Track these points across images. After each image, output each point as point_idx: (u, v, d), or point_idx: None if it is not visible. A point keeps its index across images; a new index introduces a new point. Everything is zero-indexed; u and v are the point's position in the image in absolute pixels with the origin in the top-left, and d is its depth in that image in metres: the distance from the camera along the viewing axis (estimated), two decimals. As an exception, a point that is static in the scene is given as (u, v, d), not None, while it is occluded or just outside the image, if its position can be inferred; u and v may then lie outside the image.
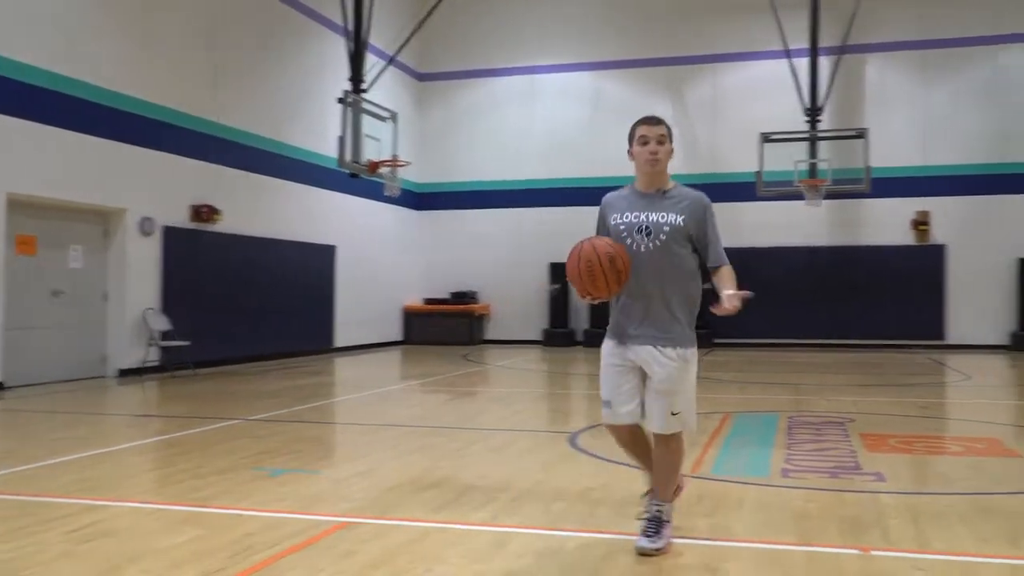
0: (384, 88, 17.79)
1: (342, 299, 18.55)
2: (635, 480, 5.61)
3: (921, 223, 19.69)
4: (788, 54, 18.44)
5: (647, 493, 4.27)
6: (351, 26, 15.41)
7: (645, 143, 4.19)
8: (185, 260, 13.88)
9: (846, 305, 19.80)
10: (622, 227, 4.11)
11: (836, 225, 20.23)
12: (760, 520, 4.63)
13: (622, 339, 4.11)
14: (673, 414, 4.03)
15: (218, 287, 14.59)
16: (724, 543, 4.21)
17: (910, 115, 19.93)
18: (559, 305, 21.15)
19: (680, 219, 4.05)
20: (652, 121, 4.27)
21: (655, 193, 4.16)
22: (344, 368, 15.32)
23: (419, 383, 12.90)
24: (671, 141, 4.24)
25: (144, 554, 3.97)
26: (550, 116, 21.91)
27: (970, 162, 19.54)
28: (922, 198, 19.67)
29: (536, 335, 21.35)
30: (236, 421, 8.28)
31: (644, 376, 4.09)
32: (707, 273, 4.14)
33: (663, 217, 4.06)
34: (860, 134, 18.28)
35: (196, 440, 7.24)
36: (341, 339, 18.53)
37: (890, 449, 6.83)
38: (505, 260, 21.84)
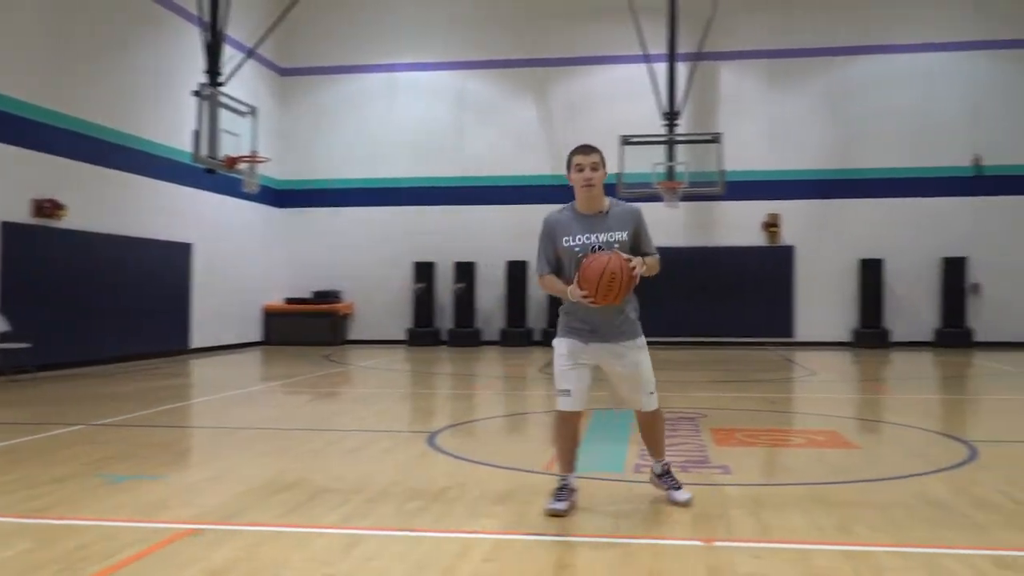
0: (243, 82, 17.33)
1: (199, 299, 17.95)
2: (492, 478, 5.64)
3: (771, 225, 20.55)
4: (647, 59, 18.93)
5: (657, 466, 5.06)
6: (207, 17, 14.93)
7: (580, 170, 4.68)
8: (27, 258, 13.14)
9: (702, 304, 20.47)
10: (577, 248, 4.65)
11: (693, 226, 20.89)
12: (611, 515, 4.72)
13: (584, 338, 4.72)
14: (650, 393, 4.87)
15: (65, 286, 13.88)
16: (576, 539, 4.27)
17: (761, 121, 20.77)
18: (423, 304, 21.09)
19: (624, 235, 4.68)
20: (586, 150, 4.72)
21: (597, 215, 4.72)
22: (200, 370, 14.84)
23: (278, 384, 12.61)
24: (604, 166, 4.72)
25: (-34, 570, 3.72)
26: (414, 115, 21.80)
27: (816, 167, 20.52)
28: (772, 201, 20.54)
29: (400, 335, 21.22)
30: (78, 427, 7.89)
31: (597, 371, 4.77)
32: None
33: (611, 236, 4.65)
34: (715, 138, 18.93)
35: (32, 447, 6.86)
36: (198, 340, 17.94)
37: (737, 443, 7.08)
38: (369, 259, 21.62)
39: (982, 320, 19.77)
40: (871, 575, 3.70)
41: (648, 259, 4.68)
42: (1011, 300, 19.76)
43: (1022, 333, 19.59)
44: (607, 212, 4.73)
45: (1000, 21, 20.03)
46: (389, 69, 21.98)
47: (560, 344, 4.79)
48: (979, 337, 19.58)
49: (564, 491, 4.73)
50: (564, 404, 4.76)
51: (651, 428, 4.99)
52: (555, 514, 4.58)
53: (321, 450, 6.80)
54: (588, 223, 4.69)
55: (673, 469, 5.10)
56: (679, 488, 4.93)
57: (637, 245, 4.74)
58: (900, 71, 20.48)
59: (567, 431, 4.82)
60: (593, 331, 4.71)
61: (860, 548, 4.09)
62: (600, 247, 4.59)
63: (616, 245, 4.61)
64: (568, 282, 4.62)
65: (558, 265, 4.77)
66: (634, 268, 4.45)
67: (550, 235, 4.76)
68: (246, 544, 4.14)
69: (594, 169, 4.68)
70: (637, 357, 4.80)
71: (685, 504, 4.81)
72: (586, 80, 21.42)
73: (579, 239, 4.66)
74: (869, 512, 4.75)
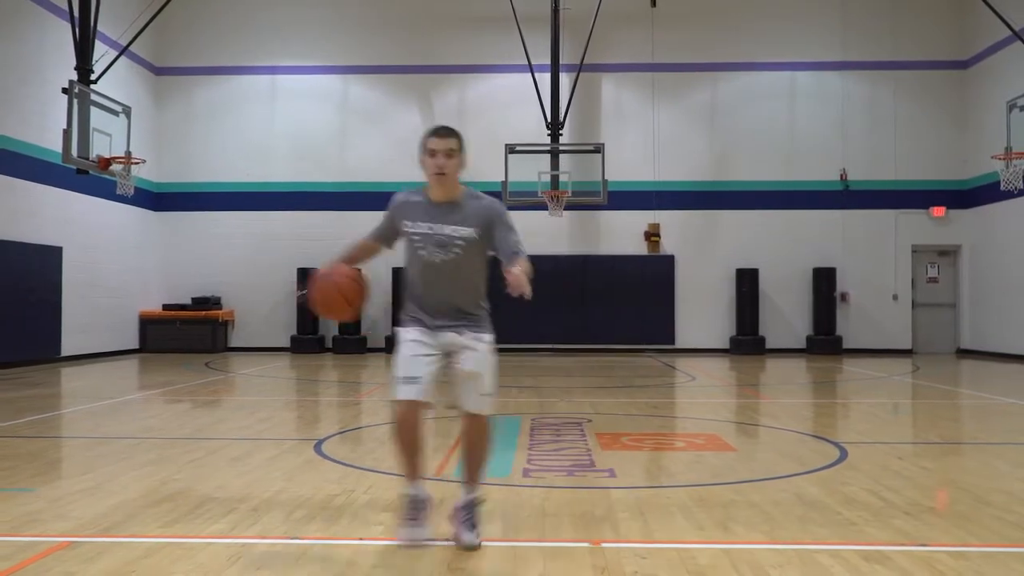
0: (116, 80, 16.78)
1: (70, 304, 17.21)
2: (380, 484, 5.61)
3: (652, 235, 21.04)
4: (531, 69, 19.15)
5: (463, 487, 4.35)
6: (76, 11, 14.37)
7: (433, 155, 4.22)
8: None
9: (586, 311, 20.79)
10: (416, 238, 4.26)
11: (577, 235, 21.22)
12: (500, 519, 4.76)
13: (429, 327, 4.28)
14: (483, 395, 4.23)
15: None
16: (465, 543, 4.28)
17: (642, 133, 21.25)
18: (307, 311, 20.74)
19: (471, 231, 4.23)
20: (442, 133, 4.26)
21: (447, 204, 4.27)
22: (71, 378, 14.23)
23: (156, 393, 12.21)
24: (463, 151, 4.27)
25: None
26: (296, 118, 21.45)
27: (694, 179, 21.12)
28: (653, 211, 21.03)
29: (284, 342, 20.83)
30: (-61, 438, 7.48)
31: (445, 362, 4.26)
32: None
33: (455, 230, 4.22)
34: (597, 149, 19.26)
35: None
36: (69, 347, 17.20)
37: (622, 447, 7.23)
38: (250, 265, 21.14)
39: (850, 328, 20.72)
40: (750, 571, 3.85)
41: (518, 262, 4.16)
42: (875, 309, 20.81)
43: (885, 340, 20.64)
44: (460, 203, 4.28)
45: (865, 42, 21.06)
46: (270, 71, 21.57)
47: (406, 332, 4.31)
48: (847, 344, 20.50)
49: (415, 508, 4.21)
50: (408, 392, 4.15)
51: (476, 439, 4.31)
52: (412, 546, 4.12)
53: (203, 459, 6.63)
54: (436, 212, 4.26)
55: (477, 503, 4.31)
56: (473, 528, 4.18)
57: (492, 244, 4.29)
58: (772, 87, 21.29)
59: (409, 426, 4.19)
60: (438, 321, 4.26)
61: (739, 546, 4.25)
62: (441, 240, 4.20)
63: (460, 242, 4.21)
64: (418, 274, 4.28)
65: (386, 244, 4.48)
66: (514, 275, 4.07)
67: (393, 217, 4.37)
68: (126, 557, 4.01)
69: (449, 156, 4.20)
70: (484, 352, 4.28)
71: (469, 548, 4.10)
72: (472, 88, 21.51)
73: (420, 227, 4.25)
74: (747, 511, 4.94)
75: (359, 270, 4.38)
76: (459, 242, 4.22)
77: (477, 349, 4.25)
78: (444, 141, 4.22)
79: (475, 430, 4.29)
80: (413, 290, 4.36)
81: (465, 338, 4.26)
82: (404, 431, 4.21)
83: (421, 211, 4.28)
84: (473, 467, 4.33)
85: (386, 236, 4.45)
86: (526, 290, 4.01)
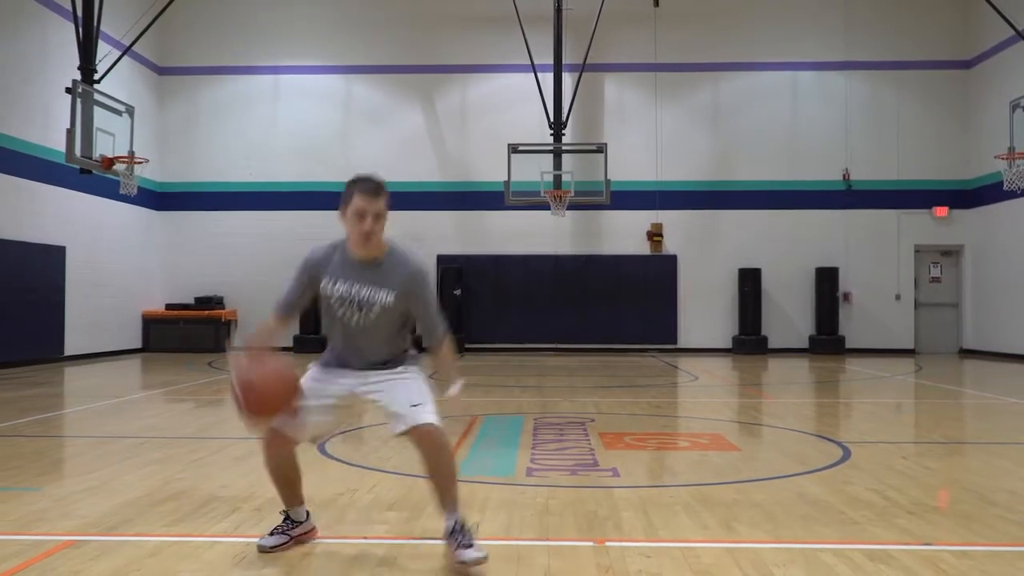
0: (120, 80, 16.81)
1: (73, 304, 17.24)
2: (384, 483, 5.62)
3: (655, 234, 21.05)
4: (534, 68, 19.15)
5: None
6: (80, 11, 14.39)
7: (361, 217, 3.86)
8: None
9: (589, 311, 20.80)
10: (334, 299, 3.96)
11: (579, 235, 21.22)
12: (504, 518, 4.77)
13: (340, 369, 4.11)
14: (415, 405, 3.89)
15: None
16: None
17: (645, 133, 21.26)
18: (311, 310, 20.72)
19: (390, 297, 3.92)
20: (371, 191, 3.88)
21: (369, 263, 3.95)
22: (75, 378, 14.25)
23: (159, 392, 12.23)
24: (387, 209, 3.93)
25: None
26: (299, 118, 21.47)
27: (697, 179, 21.12)
28: (656, 211, 21.03)
29: (287, 342, 20.82)
30: (-56, 438, 7.49)
31: (347, 410, 4.10)
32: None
33: (374, 294, 3.92)
34: (600, 148, 19.27)
35: None
36: (72, 347, 17.23)
37: (625, 446, 7.23)
38: (253, 264, 21.14)
39: (852, 327, 20.72)
40: (754, 570, 3.85)
41: (444, 353, 4.05)
42: (877, 309, 20.80)
43: (888, 340, 20.64)
44: (382, 263, 3.96)
45: (868, 42, 21.05)
46: (273, 71, 21.60)
47: (312, 370, 4.17)
48: (850, 344, 20.49)
49: (283, 524, 4.17)
50: (283, 423, 3.98)
51: (435, 457, 3.88)
52: (263, 550, 4.04)
53: (207, 458, 6.64)
54: (355, 271, 3.94)
55: (468, 524, 3.97)
56: (471, 545, 3.83)
57: (411, 314, 4.02)
58: (775, 87, 21.28)
59: (272, 455, 4.05)
60: (360, 366, 4.06)
61: (743, 545, 4.25)
62: (359, 303, 3.93)
63: (377, 308, 3.92)
64: (335, 331, 4.05)
65: (300, 310, 4.13)
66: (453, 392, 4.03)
67: (310, 275, 4.01)
68: (131, 556, 4.02)
69: (377, 218, 3.86)
70: (408, 373, 4.06)
71: (474, 563, 3.78)
72: (474, 87, 21.52)
73: (339, 287, 3.93)
74: (750, 511, 4.94)
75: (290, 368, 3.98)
76: (376, 308, 3.94)
77: (400, 375, 4.04)
78: (374, 203, 3.86)
79: (430, 446, 3.86)
80: (332, 342, 4.18)
81: (386, 372, 4.05)
82: (268, 459, 4.08)
83: (339, 268, 3.97)
84: (442, 488, 3.91)
85: (300, 302, 4.08)
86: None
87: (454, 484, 3.93)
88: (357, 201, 3.86)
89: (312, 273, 4.00)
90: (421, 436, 3.85)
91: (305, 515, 4.24)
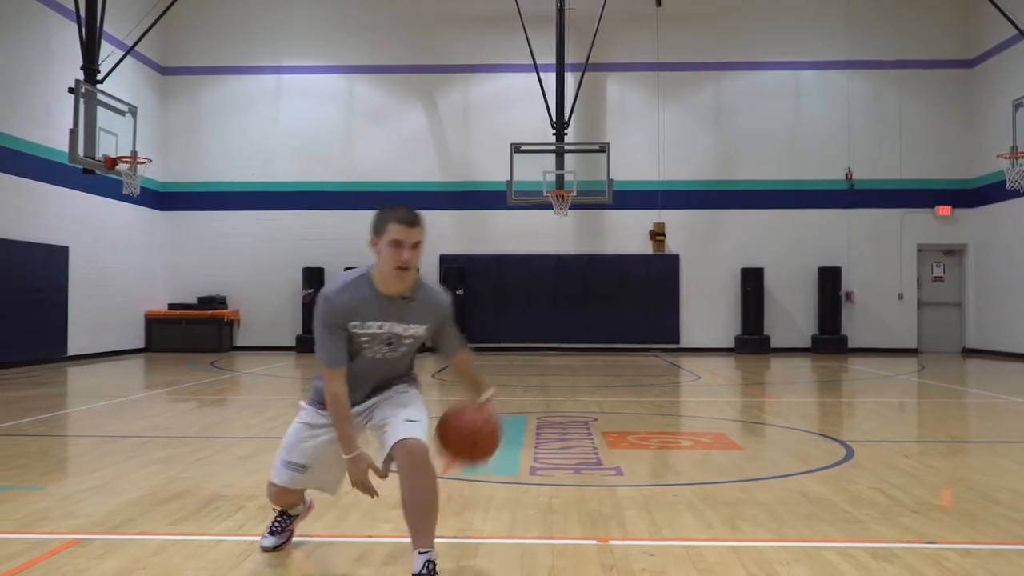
0: (122, 80, 16.82)
1: (76, 304, 17.27)
2: (387, 482, 5.60)
3: (658, 234, 21.05)
4: (536, 68, 19.15)
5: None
6: (83, 11, 14.41)
7: (398, 247, 3.56)
8: None
9: (591, 310, 20.81)
10: (364, 340, 3.71)
11: (582, 234, 21.22)
12: (508, 517, 4.77)
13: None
14: (409, 420, 3.67)
15: (-72, 290, 13.17)
16: (473, 540, 4.31)
17: (647, 132, 21.25)
18: (312, 311, 20.75)
19: (422, 329, 3.79)
20: (409, 221, 3.58)
21: (399, 299, 3.69)
22: (78, 378, 14.27)
23: (162, 392, 12.24)
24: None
25: None
26: (301, 118, 21.50)
27: (699, 178, 21.12)
28: (658, 211, 21.03)
29: (289, 341, 20.86)
30: (-52, 437, 7.51)
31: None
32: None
33: (407, 329, 3.74)
34: (602, 148, 19.27)
35: (-102, 459, 6.49)
36: (75, 347, 17.26)
37: (628, 445, 7.24)
38: (256, 264, 21.19)
39: (855, 327, 20.71)
40: (758, 568, 3.86)
41: (466, 360, 3.97)
42: (880, 308, 20.79)
43: (890, 339, 20.64)
44: (413, 297, 3.72)
45: (870, 41, 21.04)
46: (275, 71, 21.63)
47: (304, 413, 3.95)
48: (852, 343, 20.49)
49: (279, 520, 4.14)
50: (291, 481, 3.88)
51: (416, 478, 3.53)
52: (265, 549, 4.06)
53: (210, 458, 6.65)
54: (387, 308, 3.67)
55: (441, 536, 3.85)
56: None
57: (437, 342, 3.91)
58: (777, 87, 21.28)
59: (286, 502, 4.07)
60: (355, 399, 3.81)
61: (747, 543, 4.26)
62: (391, 340, 3.73)
63: (408, 341, 3.78)
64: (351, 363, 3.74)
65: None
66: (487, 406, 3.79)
67: (339, 319, 3.66)
68: (136, 555, 4.03)
69: (414, 247, 3.58)
70: (407, 389, 3.92)
71: None
72: (476, 87, 21.52)
73: (370, 327, 3.67)
74: (754, 509, 4.94)
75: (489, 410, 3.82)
76: (407, 341, 3.78)
77: (403, 391, 3.88)
78: (412, 232, 3.56)
79: (411, 461, 3.55)
80: None
81: (388, 391, 3.89)
82: (275, 502, 4.06)
83: (369, 309, 3.67)
84: (417, 515, 3.54)
85: (346, 347, 3.73)
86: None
87: (432, 514, 3.57)
88: (394, 230, 3.55)
89: (341, 322, 3.66)
90: (407, 451, 3.55)
91: (304, 503, 4.23)
